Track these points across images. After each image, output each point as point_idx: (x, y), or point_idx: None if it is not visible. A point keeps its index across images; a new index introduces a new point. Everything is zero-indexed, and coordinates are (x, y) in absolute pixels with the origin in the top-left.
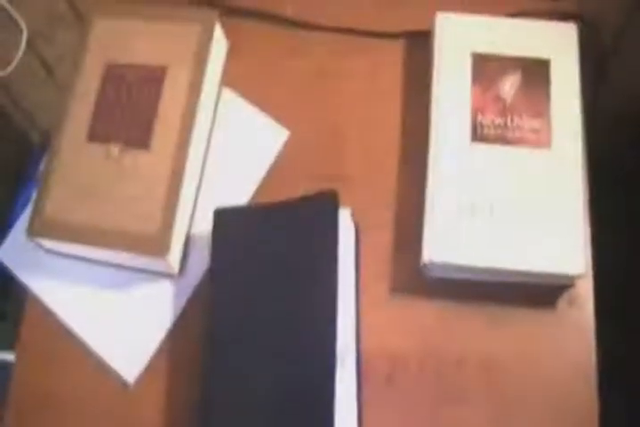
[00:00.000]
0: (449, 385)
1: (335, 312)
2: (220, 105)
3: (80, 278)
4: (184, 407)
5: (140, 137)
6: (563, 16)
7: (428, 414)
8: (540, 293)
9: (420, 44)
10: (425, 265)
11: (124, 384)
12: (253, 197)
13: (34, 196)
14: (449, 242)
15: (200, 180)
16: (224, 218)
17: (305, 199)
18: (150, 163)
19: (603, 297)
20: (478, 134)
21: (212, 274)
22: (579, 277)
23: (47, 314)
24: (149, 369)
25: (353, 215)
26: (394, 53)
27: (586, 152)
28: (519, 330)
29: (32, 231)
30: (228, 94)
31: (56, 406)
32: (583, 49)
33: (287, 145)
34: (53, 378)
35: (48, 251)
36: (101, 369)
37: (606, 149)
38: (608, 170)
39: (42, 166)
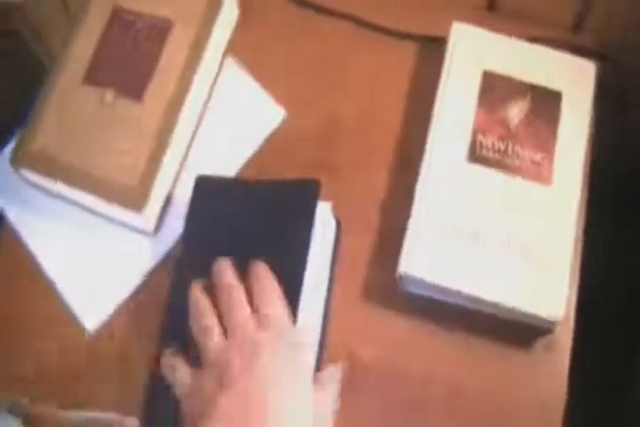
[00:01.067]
0: (407, 402)
1: (298, 295)
2: (223, 74)
3: (59, 218)
4: (140, 362)
5: (135, 87)
6: (584, 52)
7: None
8: (518, 331)
9: (434, 50)
10: (400, 277)
11: (83, 330)
12: (239, 173)
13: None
14: (427, 258)
15: (189, 144)
16: (205, 185)
17: (288, 182)
18: (141, 116)
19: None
20: (476, 154)
21: (183, 238)
22: (556, 323)
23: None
24: (110, 322)
25: (334, 210)
26: (405, 54)
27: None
28: (490, 363)
29: (15, 161)
30: (233, 65)
31: (13, 330)
32: (602, 92)
33: (281, 126)
34: (15, 305)
35: (31, 184)
36: (65, 311)
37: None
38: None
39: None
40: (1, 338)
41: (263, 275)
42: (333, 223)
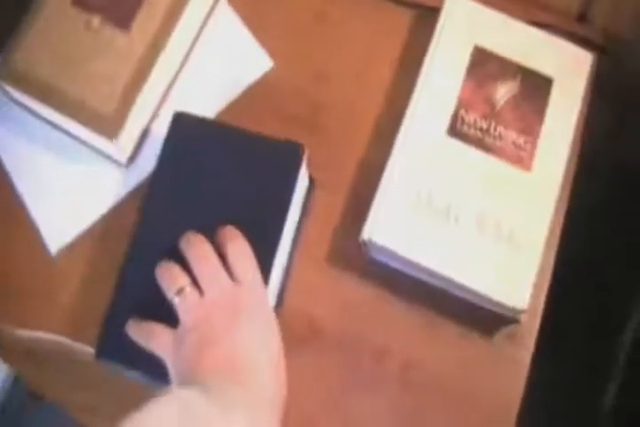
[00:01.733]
0: (361, 372)
1: (272, 258)
2: (215, 17)
3: (37, 137)
4: (103, 288)
5: (123, 15)
6: (586, 43)
7: (329, 393)
8: (482, 315)
9: (429, 20)
10: (364, 243)
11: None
12: (217, 116)
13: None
14: (392, 227)
15: (172, 81)
16: (183, 123)
17: (273, 141)
18: (126, 44)
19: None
20: (457, 129)
21: (155, 174)
22: (521, 312)
23: None
24: (75, 247)
25: (309, 167)
26: (401, 22)
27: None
28: (448, 343)
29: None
30: (227, 10)
31: None
32: (599, 87)
33: (267, 77)
34: None
35: (13, 100)
36: (36, 234)
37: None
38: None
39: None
40: None
41: (235, 236)
42: (306, 183)
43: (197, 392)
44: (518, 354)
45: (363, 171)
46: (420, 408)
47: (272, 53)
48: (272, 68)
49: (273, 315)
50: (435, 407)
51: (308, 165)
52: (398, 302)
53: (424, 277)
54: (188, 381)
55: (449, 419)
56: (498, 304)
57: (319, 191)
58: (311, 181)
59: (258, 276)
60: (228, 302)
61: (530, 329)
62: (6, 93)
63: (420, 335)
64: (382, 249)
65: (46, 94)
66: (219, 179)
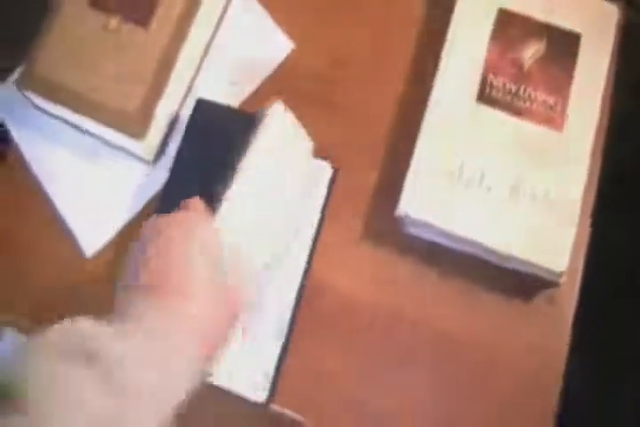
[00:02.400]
0: (400, 344)
1: None
2: (233, 3)
3: (63, 142)
4: None
5: (142, 13)
6: None
7: (370, 367)
8: (520, 281)
9: None
10: (400, 218)
11: (82, 255)
12: (241, 104)
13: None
14: (428, 199)
15: (195, 74)
16: (205, 110)
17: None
18: (146, 42)
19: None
20: (485, 95)
21: (174, 162)
22: (561, 274)
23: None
24: (108, 248)
25: (336, 148)
26: None
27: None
28: (489, 312)
29: (19, 83)
30: None
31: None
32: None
33: (288, 60)
34: (14, 224)
35: (36, 107)
36: (65, 234)
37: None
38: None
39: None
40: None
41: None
42: (330, 169)
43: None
44: (559, 317)
45: (390, 146)
46: (460, 378)
47: (291, 35)
48: (292, 49)
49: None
50: (476, 376)
51: (332, 147)
52: (435, 274)
53: (461, 247)
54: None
55: (490, 387)
56: (537, 267)
57: (346, 171)
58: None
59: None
60: (180, 223)
61: (570, 292)
62: (29, 101)
63: (458, 305)
64: (419, 223)
65: (69, 99)
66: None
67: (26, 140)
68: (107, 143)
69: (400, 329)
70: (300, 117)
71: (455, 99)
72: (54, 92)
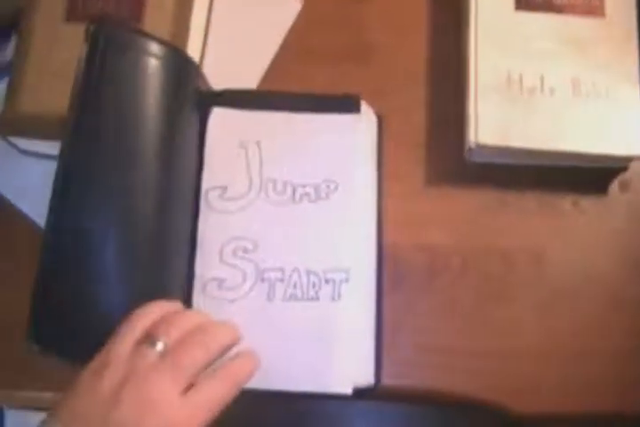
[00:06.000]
0: (494, 282)
1: None
2: None
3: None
4: None
5: (129, 15)
6: None
7: (473, 315)
8: (591, 177)
9: None
10: (470, 149)
11: None
12: (261, 83)
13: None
14: (498, 121)
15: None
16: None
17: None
18: None
19: None
20: (523, 2)
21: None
22: (635, 158)
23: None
24: None
25: (372, 102)
26: None
27: None
28: (568, 219)
29: (5, 130)
30: None
31: None
32: None
33: (299, 18)
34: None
35: (23, 152)
36: None
37: None
38: None
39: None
40: None
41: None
42: (374, 120)
43: None
44: (636, 205)
45: (431, 82)
46: (562, 299)
47: None
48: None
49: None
50: (578, 295)
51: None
52: (508, 198)
53: (532, 162)
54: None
55: (592, 304)
56: (614, 158)
57: (391, 116)
58: (379, 119)
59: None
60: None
61: None
62: (16, 147)
63: (540, 225)
64: (492, 149)
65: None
66: None
67: (14, 191)
68: None
69: (492, 265)
70: (331, 73)
71: (494, 12)
72: (46, 128)
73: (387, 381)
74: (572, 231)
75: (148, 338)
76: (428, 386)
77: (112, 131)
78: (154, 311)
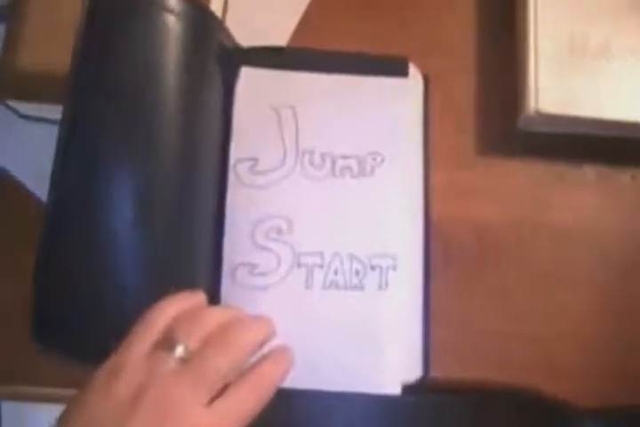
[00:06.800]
0: (548, 261)
1: None
2: None
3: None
4: None
5: None
6: None
7: (527, 297)
8: None
9: None
10: (528, 117)
11: None
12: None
13: None
14: (561, 88)
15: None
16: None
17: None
18: None
19: None
20: None
21: None
22: None
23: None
24: None
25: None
26: None
27: None
28: (626, 193)
29: (3, 93)
30: None
31: None
32: None
33: None
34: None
35: (23, 116)
36: None
37: None
38: None
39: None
40: None
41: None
42: (421, 84)
43: None
44: None
45: (480, 46)
46: (622, 279)
47: None
48: None
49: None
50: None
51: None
52: (564, 170)
53: (590, 131)
54: None
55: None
56: None
57: (439, 84)
58: (425, 79)
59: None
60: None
61: None
62: (16, 112)
63: (596, 199)
64: (553, 118)
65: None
66: None
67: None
68: None
69: (548, 239)
70: (371, 29)
71: None
72: (49, 90)
73: (435, 373)
74: (630, 206)
75: (167, 341)
76: (480, 377)
77: (123, 90)
78: (173, 307)
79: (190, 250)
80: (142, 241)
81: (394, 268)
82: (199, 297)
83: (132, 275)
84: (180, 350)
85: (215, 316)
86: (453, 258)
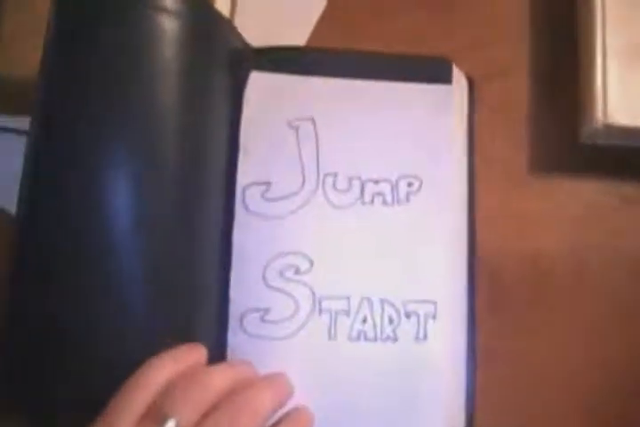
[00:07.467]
0: (617, 295)
1: None
2: None
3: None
4: None
5: None
6: None
7: (593, 339)
8: None
9: None
10: (593, 130)
11: None
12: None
13: None
14: (633, 97)
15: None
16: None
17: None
18: None
19: None
20: None
21: None
22: None
23: None
24: None
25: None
26: None
27: None
28: None
29: None
30: None
31: None
32: None
33: None
34: None
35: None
36: None
37: None
38: None
39: None
40: None
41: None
42: (465, 90)
43: None
44: None
45: (534, 46)
46: None
47: None
48: None
49: None
50: None
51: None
52: (627, 187)
53: None
54: None
55: None
56: None
57: (486, 89)
58: (470, 83)
59: None
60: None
61: None
62: None
63: None
64: (621, 130)
65: None
66: None
67: None
68: None
69: (612, 274)
70: (404, 24)
71: None
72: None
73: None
74: None
75: (157, 414)
76: None
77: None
78: (166, 368)
79: (191, 294)
80: (130, 290)
81: (433, 316)
82: (198, 353)
83: (116, 331)
84: (170, 426)
85: (217, 380)
86: (502, 296)
